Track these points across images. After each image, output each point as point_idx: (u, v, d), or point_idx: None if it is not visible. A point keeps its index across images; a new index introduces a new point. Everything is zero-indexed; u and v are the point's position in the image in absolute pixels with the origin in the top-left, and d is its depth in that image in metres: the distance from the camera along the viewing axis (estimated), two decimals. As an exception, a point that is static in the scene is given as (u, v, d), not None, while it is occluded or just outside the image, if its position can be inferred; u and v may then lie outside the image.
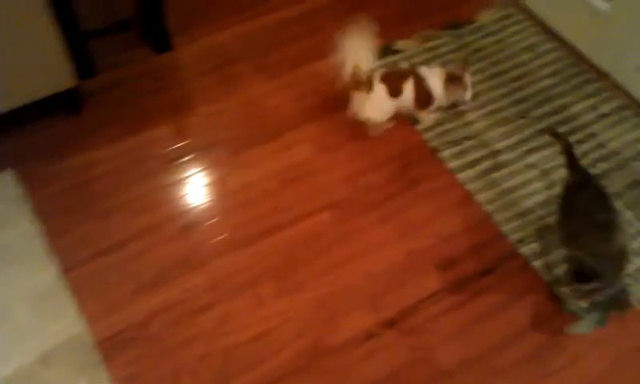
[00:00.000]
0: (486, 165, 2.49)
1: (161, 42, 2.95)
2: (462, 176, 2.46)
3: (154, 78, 2.87)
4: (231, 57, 2.94)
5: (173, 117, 2.72)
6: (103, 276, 2.25)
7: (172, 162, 2.57)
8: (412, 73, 2.57)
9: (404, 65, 2.77)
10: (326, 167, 2.54)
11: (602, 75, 2.78)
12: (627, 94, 2.70)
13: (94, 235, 2.35)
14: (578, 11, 2.81)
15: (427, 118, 2.66)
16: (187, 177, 2.53)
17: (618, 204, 2.32)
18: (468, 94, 2.58)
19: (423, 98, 2.57)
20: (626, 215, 2.32)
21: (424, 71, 2.58)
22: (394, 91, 2.53)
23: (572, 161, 2.21)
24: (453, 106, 2.69)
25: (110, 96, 2.79)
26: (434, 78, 2.56)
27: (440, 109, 2.67)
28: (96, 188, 2.49)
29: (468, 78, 2.56)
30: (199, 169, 2.55)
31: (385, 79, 2.52)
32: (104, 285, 2.23)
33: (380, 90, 2.50)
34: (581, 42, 2.86)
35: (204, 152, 2.60)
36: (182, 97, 2.80)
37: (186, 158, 2.58)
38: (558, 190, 2.31)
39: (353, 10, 3.10)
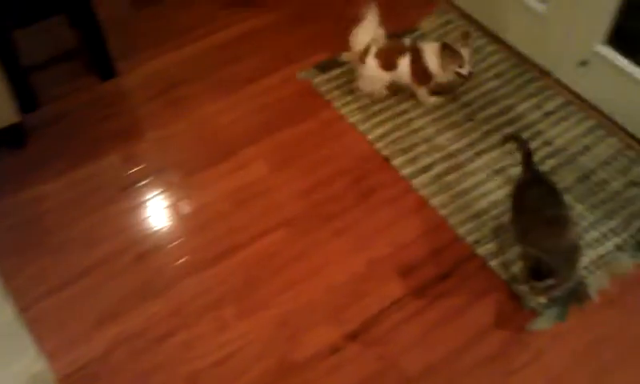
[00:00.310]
0: (438, 169, 2.50)
1: (105, 69, 2.89)
2: (416, 182, 2.46)
3: (100, 106, 2.82)
4: (178, 79, 2.90)
5: (122, 144, 2.67)
6: (61, 311, 2.19)
7: (124, 190, 2.52)
8: (411, 48, 2.65)
9: (407, 41, 2.74)
10: (280, 184, 2.52)
11: (544, 74, 2.82)
12: (570, 91, 2.73)
13: (48, 271, 2.29)
14: (517, 13, 2.85)
15: (427, 99, 2.71)
16: (141, 203, 2.48)
17: (568, 198, 2.35)
18: (466, 68, 2.59)
19: (420, 73, 2.64)
20: (578, 209, 2.34)
21: (423, 46, 2.65)
22: (388, 65, 2.66)
23: (528, 161, 2.23)
24: (452, 89, 2.75)
25: (56, 128, 2.73)
26: (431, 54, 2.61)
27: (442, 90, 2.72)
28: (47, 222, 2.42)
29: (466, 52, 2.57)
30: (152, 195, 2.50)
31: (380, 53, 2.66)
32: (63, 320, 2.17)
33: (372, 62, 2.66)
34: (521, 43, 2.90)
35: (156, 177, 2.55)
36: (131, 123, 2.75)
37: (139, 185, 2.53)
38: (509, 188, 2.33)
39: (294, 26, 3.10)
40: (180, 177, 2.55)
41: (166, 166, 2.59)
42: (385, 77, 2.69)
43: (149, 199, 2.49)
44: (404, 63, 2.64)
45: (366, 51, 2.66)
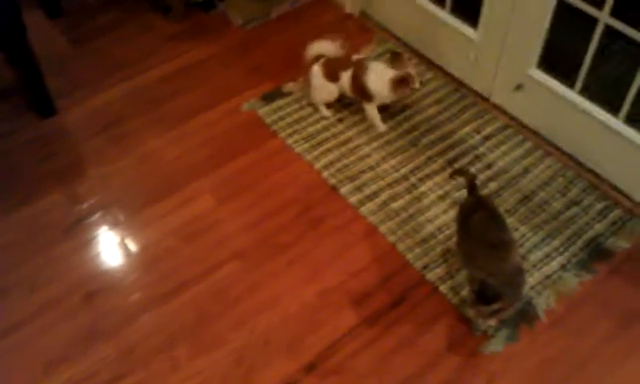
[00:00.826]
0: (384, 196, 2.50)
1: (44, 107, 2.80)
2: (364, 210, 2.45)
3: (41, 144, 2.73)
4: (120, 115, 2.83)
5: (65, 182, 2.58)
6: (6, 359, 2.09)
7: (69, 230, 2.43)
8: (355, 63, 2.70)
9: (357, 57, 2.79)
10: (228, 217, 2.47)
11: (481, 98, 2.86)
12: (507, 114, 2.78)
13: (-9, 318, 2.19)
14: (450, 40, 2.89)
15: (375, 119, 2.73)
16: (86, 242, 2.40)
17: (511, 221, 2.39)
18: (417, 82, 2.62)
19: (359, 89, 2.67)
20: (521, 230, 2.38)
21: (369, 65, 2.67)
22: (332, 76, 2.72)
23: (472, 189, 2.25)
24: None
25: (-5, 168, 2.65)
26: (372, 74, 2.64)
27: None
28: (-10, 267, 2.33)
29: (412, 68, 2.61)
30: (98, 233, 2.42)
31: (325, 63, 2.73)
32: (8, 369, 2.07)
33: (316, 70, 2.73)
34: (457, 69, 2.94)
35: (101, 215, 2.47)
36: (73, 161, 2.67)
37: (84, 223, 2.45)
38: (454, 212, 2.35)
39: (238, 58, 3.07)
40: (126, 214, 2.48)
41: (110, 204, 2.51)
42: (330, 88, 2.72)
43: (95, 238, 2.41)
44: (345, 76, 2.68)
45: (314, 60, 2.74)
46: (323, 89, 2.74)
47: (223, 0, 3.32)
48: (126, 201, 2.53)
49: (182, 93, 2.93)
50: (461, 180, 2.36)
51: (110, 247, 2.39)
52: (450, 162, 2.59)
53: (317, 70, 2.72)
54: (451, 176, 2.48)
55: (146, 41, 3.18)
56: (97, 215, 2.48)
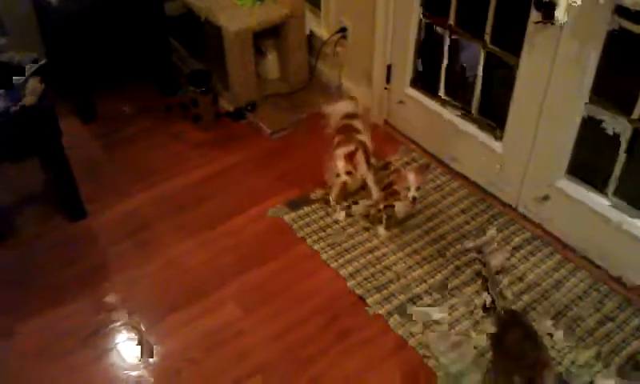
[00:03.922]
0: (413, 308, 2.29)
1: (75, 210, 2.66)
2: (392, 322, 2.24)
3: (68, 247, 2.57)
4: (147, 220, 2.68)
5: (89, 288, 2.40)
6: None
7: (91, 336, 2.24)
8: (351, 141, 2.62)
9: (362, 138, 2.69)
10: (253, 327, 2.26)
11: (507, 208, 2.69)
12: (535, 225, 2.60)
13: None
14: (476, 152, 2.74)
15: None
16: (105, 352, 2.19)
17: (546, 337, 2.16)
18: (412, 192, 2.41)
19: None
20: (557, 347, 2.14)
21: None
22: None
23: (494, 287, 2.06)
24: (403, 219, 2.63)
25: (22, 270, 2.46)
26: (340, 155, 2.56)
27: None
28: (9, 372, 2.12)
29: (412, 178, 2.40)
30: (120, 341, 2.22)
31: (340, 128, 2.70)
32: None
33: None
34: (483, 179, 2.77)
35: (124, 323, 2.27)
36: (98, 265, 2.50)
37: (106, 331, 2.25)
38: (484, 327, 2.13)
39: (265, 165, 2.94)
40: (148, 322, 2.28)
41: (133, 311, 2.31)
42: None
43: (115, 346, 2.20)
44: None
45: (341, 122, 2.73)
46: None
47: (253, 110, 3.23)
48: (148, 308, 2.33)
49: (209, 199, 2.78)
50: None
51: (131, 357, 2.18)
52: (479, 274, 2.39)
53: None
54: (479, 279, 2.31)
55: (175, 149, 3.06)
56: (119, 322, 2.28)
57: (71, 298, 2.36)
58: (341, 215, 2.65)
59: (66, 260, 2.51)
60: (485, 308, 2.21)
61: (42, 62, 2.54)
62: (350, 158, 2.51)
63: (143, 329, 2.25)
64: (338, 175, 2.55)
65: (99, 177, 2.89)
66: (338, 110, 2.77)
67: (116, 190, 2.82)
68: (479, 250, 2.42)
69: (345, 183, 2.59)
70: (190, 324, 2.27)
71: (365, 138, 2.68)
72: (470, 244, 2.48)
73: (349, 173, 2.52)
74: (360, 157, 2.56)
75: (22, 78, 2.43)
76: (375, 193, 2.69)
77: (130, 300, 2.36)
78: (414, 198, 2.42)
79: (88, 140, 3.11)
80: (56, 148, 2.52)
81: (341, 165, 2.52)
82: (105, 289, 2.40)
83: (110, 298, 2.36)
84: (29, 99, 2.35)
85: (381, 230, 2.57)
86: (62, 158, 2.56)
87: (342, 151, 2.53)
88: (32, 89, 2.38)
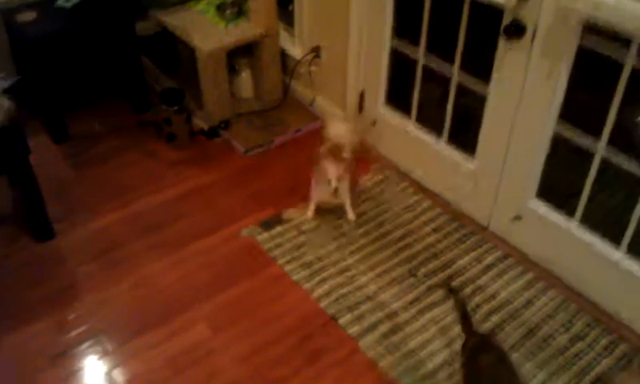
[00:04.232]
0: (383, 328, 2.26)
1: (42, 230, 2.62)
2: (363, 343, 2.21)
3: (35, 268, 2.51)
4: (118, 240, 2.64)
5: (56, 309, 2.35)
6: None
7: (57, 357, 2.19)
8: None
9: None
10: (223, 347, 2.22)
11: (480, 228, 2.69)
12: (507, 244, 2.60)
13: None
14: (448, 171, 2.75)
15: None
16: (72, 373, 2.14)
17: (516, 356, 2.15)
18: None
19: None
20: (527, 367, 2.13)
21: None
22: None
23: (466, 319, 2.04)
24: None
25: (-14, 292, 2.42)
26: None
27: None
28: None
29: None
30: (85, 363, 2.17)
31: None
32: None
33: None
34: (456, 198, 2.77)
35: (91, 344, 2.23)
36: (67, 286, 2.45)
37: (72, 352, 2.21)
38: (457, 346, 2.12)
39: (238, 184, 2.92)
40: (116, 343, 2.24)
41: (101, 332, 2.27)
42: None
43: (82, 368, 2.16)
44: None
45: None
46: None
47: (227, 129, 3.22)
48: (117, 329, 2.29)
49: (181, 218, 2.75)
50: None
51: (97, 378, 2.13)
52: (450, 290, 2.38)
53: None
54: (443, 289, 2.33)
55: (148, 167, 3.03)
56: (86, 344, 2.23)
57: (38, 318, 2.31)
58: (310, 211, 2.71)
59: (33, 281, 2.46)
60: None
61: (13, 80, 2.51)
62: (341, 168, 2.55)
63: (110, 350, 2.21)
64: (329, 182, 2.55)
65: (69, 196, 2.85)
66: (336, 129, 2.76)
67: (86, 209, 2.78)
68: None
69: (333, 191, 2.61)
70: (159, 344, 2.23)
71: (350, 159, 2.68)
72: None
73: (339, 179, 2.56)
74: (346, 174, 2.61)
75: (-10, 96, 2.41)
76: (351, 215, 2.70)
77: (97, 321, 2.31)
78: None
79: (58, 159, 3.07)
80: (24, 167, 2.47)
81: (332, 171, 2.53)
82: (72, 310, 2.35)
83: (78, 319, 2.32)
84: (-3, 117, 2.33)
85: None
86: (30, 177, 2.51)
87: (332, 161, 2.54)
88: (0, 107, 2.35)
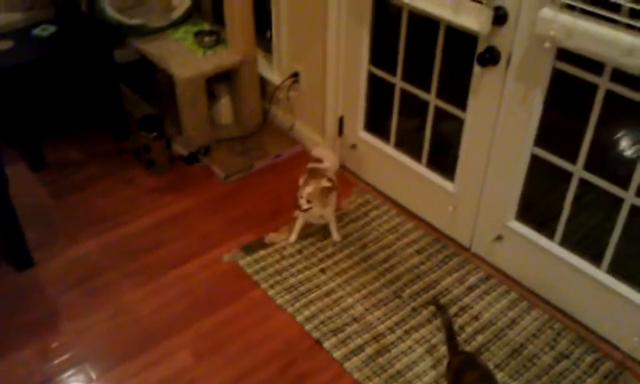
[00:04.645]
0: (369, 350, 2.25)
1: (21, 259, 2.56)
2: (349, 365, 2.19)
3: (14, 296, 2.46)
4: (97, 267, 2.59)
5: (36, 337, 2.30)
6: None
7: (40, 387, 2.14)
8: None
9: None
10: (206, 375, 2.18)
11: (462, 248, 2.70)
12: (489, 264, 2.61)
13: None
14: (428, 193, 2.77)
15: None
16: (53, 405, 2.10)
17: (501, 376, 2.15)
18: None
19: None
20: (512, 386, 2.14)
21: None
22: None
23: (451, 338, 2.04)
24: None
25: (-38, 323, 2.36)
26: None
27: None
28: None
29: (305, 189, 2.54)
30: (66, 394, 2.13)
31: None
32: None
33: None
34: (437, 220, 2.79)
35: (73, 373, 2.18)
36: (46, 315, 2.39)
37: (54, 381, 2.15)
38: (443, 367, 2.11)
39: (218, 210, 2.90)
40: (97, 372, 2.19)
41: (82, 361, 2.22)
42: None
43: (63, 399, 2.12)
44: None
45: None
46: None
47: (206, 154, 3.20)
48: (98, 358, 2.24)
49: (162, 245, 2.72)
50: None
51: (79, 409, 2.09)
52: (438, 306, 2.37)
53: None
54: (431, 304, 2.35)
55: (127, 194, 2.99)
56: (68, 373, 2.18)
57: (16, 349, 2.26)
58: (292, 237, 2.71)
59: (14, 309, 2.41)
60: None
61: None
62: (323, 193, 2.55)
63: (93, 378, 2.16)
64: (300, 207, 2.56)
65: (47, 224, 2.80)
66: (321, 154, 2.81)
67: (65, 236, 2.73)
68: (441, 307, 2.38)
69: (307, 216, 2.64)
70: (140, 373, 2.19)
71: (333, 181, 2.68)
72: None
73: (309, 202, 2.54)
74: (332, 197, 2.62)
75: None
76: (336, 236, 2.70)
77: (78, 350, 2.26)
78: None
79: (36, 187, 3.02)
80: (1, 196, 2.42)
81: (307, 189, 2.54)
82: (52, 339, 2.30)
83: (58, 349, 2.26)
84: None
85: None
86: (8, 206, 2.46)
87: (310, 182, 2.56)
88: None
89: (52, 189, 3.02)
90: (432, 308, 2.39)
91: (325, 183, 2.55)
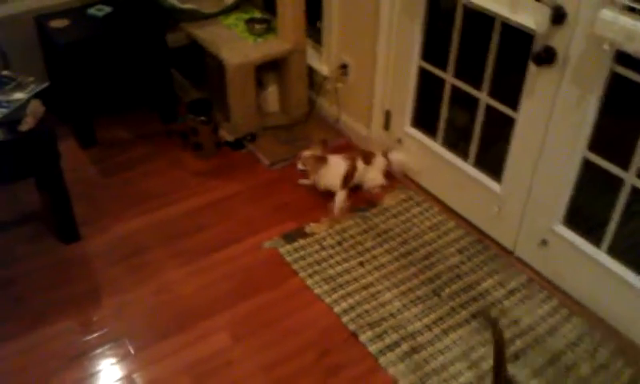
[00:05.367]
0: (405, 346, 2.24)
1: (68, 233, 2.63)
2: (384, 360, 2.19)
3: (60, 269, 2.53)
4: (142, 245, 2.65)
5: (79, 309, 2.36)
6: None
7: (76, 359, 2.19)
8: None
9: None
10: (242, 357, 2.21)
11: (504, 251, 2.67)
12: (532, 269, 2.57)
13: None
14: (474, 193, 2.74)
15: None
16: (91, 375, 2.14)
17: (538, 382, 2.12)
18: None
19: None
20: (549, 393, 2.11)
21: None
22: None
23: (499, 365, 1.90)
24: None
25: (12, 290, 2.42)
26: None
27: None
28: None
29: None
30: (105, 365, 2.17)
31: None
32: None
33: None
34: (481, 220, 2.76)
35: (111, 347, 2.23)
36: (89, 289, 2.46)
37: (92, 354, 2.21)
38: (480, 370, 2.09)
39: (262, 196, 2.93)
40: (137, 347, 2.24)
41: (122, 335, 2.27)
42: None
43: (102, 370, 2.15)
44: None
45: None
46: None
47: (252, 141, 3.23)
48: (138, 333, 2.29)
49: (205, 228, 2.76)
50: (484, 333, 2.11)
51: (116, 381, 2.13)
52: (490, 321, 2.34)
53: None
54: (482, 318, 2.27)
55: (174, 176, 3.05)
56: (107, 346, 2.24)
57: (58, 319, 2.32)
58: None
59: (57, 281, 2.47)
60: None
61: (45, 84, 2.54)
62: (314, 160, 2.85)
63: (131, 353, 2.21)
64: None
65: (95, 201, 2.87)
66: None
67: (111, 214, 2.80)
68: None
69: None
70: (179, 351, 2.23)
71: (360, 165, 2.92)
72: None
73: (304, 165, 2.88)
74: (326, 169, 2.88)
75: (23, 98, 2.44)
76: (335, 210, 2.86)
77: (119, 324, 2.32)
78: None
79: (86, 164, 3.09)
80: (54, 171, 2.50)
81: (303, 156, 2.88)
82: (94, 312, 2.36)
83: (99, 322, 2.32)
84: (29, 120, 2.35)
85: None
86: (60, 181, 2.53)
87: (308, 151, 2.89)
88: (33, 110, 2.37)
89: (101, 166, 3.09)
90: (471, 309, 2.37)
91: (316, 151, 2.82)
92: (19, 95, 2.47)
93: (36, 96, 2.48)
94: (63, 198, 2.58)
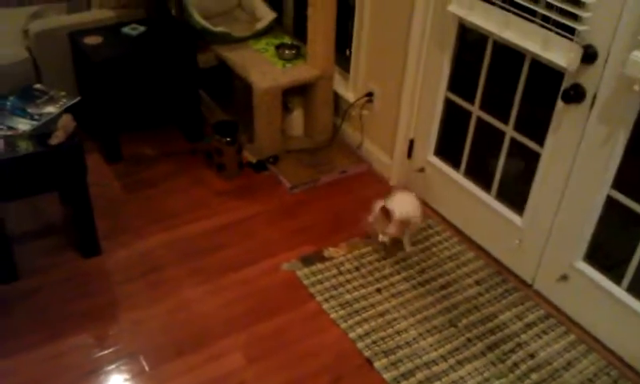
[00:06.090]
0: (420, 376, 2.22)
1: (89, 247, 2.67)
2: (397, 388, 2.20)
3: (79, 283, 2.56)
4: (161, 262, 2.67)
5: (96, 324, 2.38)
6: None
7: (90, 374, 2.20)
8: None
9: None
10: (255, 379, 2.21)
11: (523, 284, 2.65)
12: (550, 303, 2.55)
13: None
14: (495, 224, 2.73)
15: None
16: (106, 390, 2.17)
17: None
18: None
19: None
20: (565, 430, 2.08)
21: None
22: None
23: None
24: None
25: (31, 301, 2.46)
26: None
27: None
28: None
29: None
30: (119, 382, 2.18)
31: None
32: None
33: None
34: (500, 252, 2.75)
35: (126, 363, 2.24)
36: (107, 303, 2.48)
37: (107, 369, 2.22)
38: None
39: (282, 219, 2.95)
40: (151, 364, 2.25)
41: (138, 351, 2.29)
42: None
43: (116, 385, 2.19)
44: None
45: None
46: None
47: (275, 163, 3.26)
48: (153, 350, 2.30)
49: (225, 247, 2.78)
50: (499, 365, 2.09)
51: (130, 397, 2.16)
52: (491, 348, 2.33)
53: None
54: None
55: (196, 194, 3.08)
56: (120, 362, 2.25)
57: (75, 333, 2.35)
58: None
59: (76, 294, 2.50)
60: None
61: (76, 99, 2.60)
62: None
63: (146, 370, 2.22)
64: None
65: (117, 215, 2.91)
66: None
67: (132, 229, 2.83)
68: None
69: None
70: (193, 370, 2.23)
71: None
72: None
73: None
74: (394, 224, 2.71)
75: (54, 112, 2.49)
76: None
77: (135, 340, 2.33)
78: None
79: (110, 179, 3.14)
80: (79, 183, 2.55)
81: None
82: (110, 327, 2.38)
83: (115, 337, 2.34)
84: (59, 134, 2.40)
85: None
86: (85, 196, 2.57)
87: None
88: (64, 124, 2.43)
89: (125, 182, 3.13)
90: (487, 341, 2.35)
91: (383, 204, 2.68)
92: (50, 109, 2.53)
93: (66, 111, 2.54)
94: (87, 213, 2.62)
